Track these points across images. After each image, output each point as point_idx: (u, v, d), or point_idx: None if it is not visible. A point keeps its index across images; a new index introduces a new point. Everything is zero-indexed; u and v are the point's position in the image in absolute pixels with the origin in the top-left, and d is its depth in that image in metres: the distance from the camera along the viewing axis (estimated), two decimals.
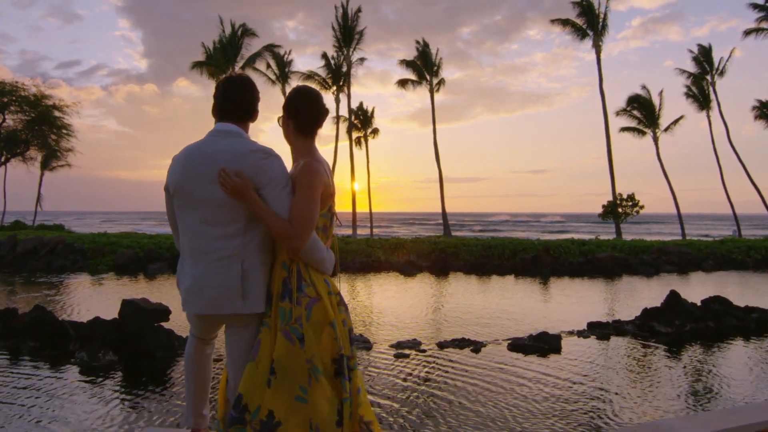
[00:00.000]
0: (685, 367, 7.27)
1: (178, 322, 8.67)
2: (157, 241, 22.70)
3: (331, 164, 41.04)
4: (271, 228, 2.49)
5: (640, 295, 14.27)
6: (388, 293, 14.34)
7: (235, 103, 2.63)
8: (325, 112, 2.75)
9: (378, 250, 22.03)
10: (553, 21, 36.70)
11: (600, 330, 8.74)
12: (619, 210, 38.35)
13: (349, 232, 40.79)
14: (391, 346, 7.78)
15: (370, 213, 45.64)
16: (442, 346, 7.81)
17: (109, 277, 17.63)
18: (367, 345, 7.74)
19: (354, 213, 39.17)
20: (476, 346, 7.72)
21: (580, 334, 8.66)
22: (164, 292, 14.06)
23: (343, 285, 16.03)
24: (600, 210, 39.00)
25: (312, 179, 2.53)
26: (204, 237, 2.53)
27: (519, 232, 71.77)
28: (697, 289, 15.51)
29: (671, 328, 8.75)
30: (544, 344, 7.71)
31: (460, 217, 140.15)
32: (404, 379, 6.41)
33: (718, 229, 77.26)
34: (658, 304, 10.34)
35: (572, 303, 12.80)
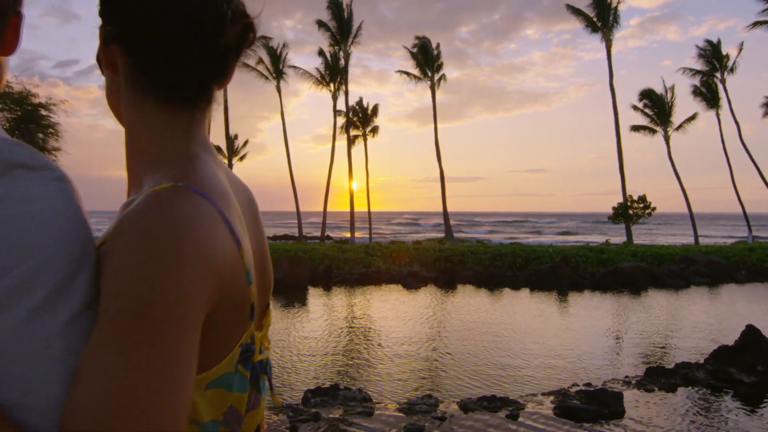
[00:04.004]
0: None
1: None
2: None
3: (327, 165, 39.18)
4: None
5: (682, 314, 12.42)
6: (390, 314, 12.46)
7: None
8: (242, 28, 0.83)
9: (378, 258, 20.16)
10: (568, 7, 34.64)
11: (664, 379, 6.89)
12: (630, 212, 36.55)
13: (348, 234, 38.96)
14: (400, 409, 5.91)
15: (369, 214, 43.78)
16: (466, 408, 5.94)
17: None
18: (367, 409, 5.87)
19: (352, 214, 37.33)
20: (513, 409, 5.86)
21: (640, 385, 6.80)
22: None
23: (340, 303, 14.17)
24: (601, 209, 37.30)
25: (159, 266, 0.55)
26: None
27: (521, 233, 70.12)
28: (741, 307, 13.67)
29: (754, 375, 6.90)
30: (602, 406, 5.85)
31: (458, 217, 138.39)
32: None
33: (728, 230, 75.50)
34: (723, 336, 8.53)
35: (609, 329, 10.96)
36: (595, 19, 34.12)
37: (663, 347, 9.41)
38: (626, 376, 7.22)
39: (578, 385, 6.84)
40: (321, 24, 34.12)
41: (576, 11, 33.98)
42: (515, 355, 8.67)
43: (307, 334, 10.19)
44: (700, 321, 11.82)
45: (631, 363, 8.34)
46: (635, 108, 38.44)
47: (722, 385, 6.82)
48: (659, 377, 6.96)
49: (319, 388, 6.37)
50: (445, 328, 10.90)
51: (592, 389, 6.29)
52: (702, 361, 7.37)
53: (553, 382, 7.28)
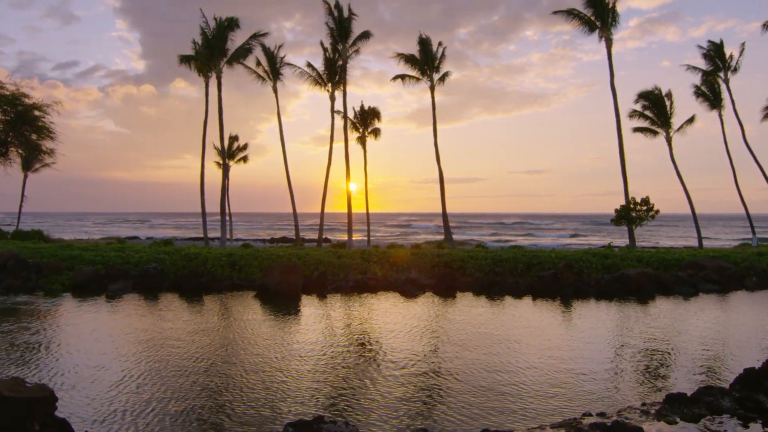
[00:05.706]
0: None
1: (79, 407, 6.18)
2: (125, 255, 20.07)
3: (325, 165, 38.53)
4: None
5: (693, 326, 11.69)
6: (385, 328, 11.74)
7: None
8: None
9: (375, 264, 19.43)
10: (555, 12, 34.10)
11: (687, 408, 6.20)
12: (633, 214, 35.88)
13: (345, 237, 38.24)
14: None
15: (368, 217, 43.10)
16: None
17: (61, 300, 15.01)
18: None
19: (350, 218, 36.60)
20: None
21: (660, 415, 6.12)
22: (118, 325, 11.39)
23: (332, 315, 13.45)
24: (601, 210, 36.69)
25: None
26: None
27: (522, 236, 69.47)
28: (756, 318, 12.97)
29: None
30: None
31: (457, 218, 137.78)
32: None
33: (729, 231, 74.88)
34: (742, 351, 7.85)
35: (616, 343, 10.24)
36: (592, 18, 33.43)
37: (677, 365, 8.73)
38: (643, 404, 6.53)
39: (591, 415, 6.16)
40: (327, 24, 33.47)
41: (568, 13, 33.30)
42: (519, 375, 7.98)
43: (292, 351, 9.49)
44: (714, 334, 11.12)
45: (645, 384, 7.65)
46: (635, 112, 37.87)
47: (751, 415, 6.13)
48: (681, 406, 6.27)
49: (301, 421, 5.67)
50: (443, 344, 10.21)
51: (607, 421, 5.60)
52: (727, 387, 6.68)
53: (561, 408, 6.59)
